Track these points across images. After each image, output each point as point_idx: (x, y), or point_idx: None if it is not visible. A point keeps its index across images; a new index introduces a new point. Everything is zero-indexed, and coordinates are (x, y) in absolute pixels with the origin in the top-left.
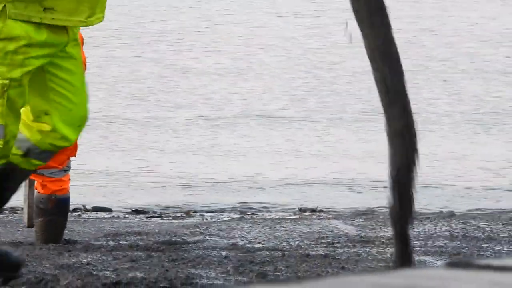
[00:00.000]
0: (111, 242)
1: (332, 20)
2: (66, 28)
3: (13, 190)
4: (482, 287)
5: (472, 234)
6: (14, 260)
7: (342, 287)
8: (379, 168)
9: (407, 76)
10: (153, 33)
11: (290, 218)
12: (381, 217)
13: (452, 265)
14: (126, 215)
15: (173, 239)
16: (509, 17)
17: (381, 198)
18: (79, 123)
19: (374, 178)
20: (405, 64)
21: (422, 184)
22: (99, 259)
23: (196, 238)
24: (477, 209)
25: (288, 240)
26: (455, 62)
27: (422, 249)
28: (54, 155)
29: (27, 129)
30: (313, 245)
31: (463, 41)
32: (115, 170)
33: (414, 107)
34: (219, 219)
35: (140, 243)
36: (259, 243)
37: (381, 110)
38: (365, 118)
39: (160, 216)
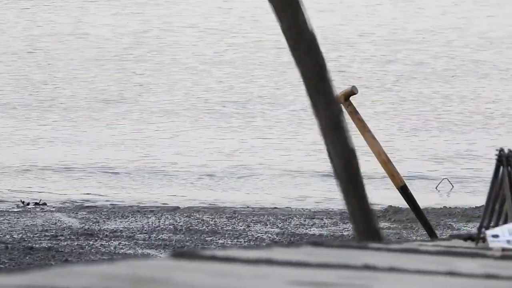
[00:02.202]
0: None
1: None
2: None
3: None
4: (207, 276)
5: (196, 227)
6: None
7: (67, 276)
8: (70, 155)
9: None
10: None
11: (13, 211)
12: (104, 210)
13: (177, 255)
14: None
15: None
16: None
17: (104, 187)
18: None
19: (76, 166)
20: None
21: (149, 175)
22: None
23: None
24: (200, 202)
25: (11, 232)
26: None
27: (146, 242)
28: None
29: None
30: (37, 238)
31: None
32: None
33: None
34: None
35: None
36: None
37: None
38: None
39: None
